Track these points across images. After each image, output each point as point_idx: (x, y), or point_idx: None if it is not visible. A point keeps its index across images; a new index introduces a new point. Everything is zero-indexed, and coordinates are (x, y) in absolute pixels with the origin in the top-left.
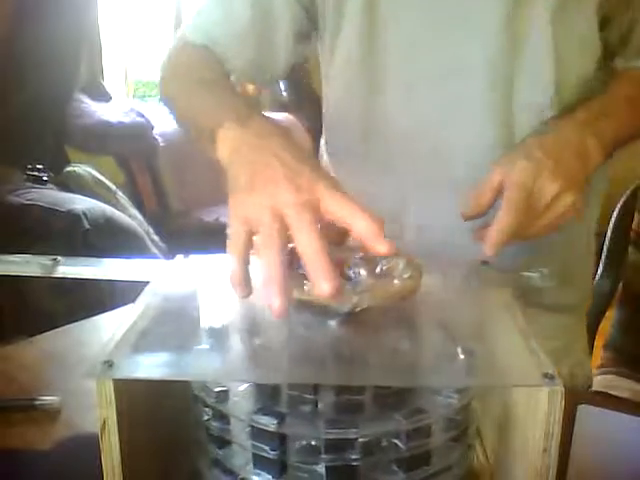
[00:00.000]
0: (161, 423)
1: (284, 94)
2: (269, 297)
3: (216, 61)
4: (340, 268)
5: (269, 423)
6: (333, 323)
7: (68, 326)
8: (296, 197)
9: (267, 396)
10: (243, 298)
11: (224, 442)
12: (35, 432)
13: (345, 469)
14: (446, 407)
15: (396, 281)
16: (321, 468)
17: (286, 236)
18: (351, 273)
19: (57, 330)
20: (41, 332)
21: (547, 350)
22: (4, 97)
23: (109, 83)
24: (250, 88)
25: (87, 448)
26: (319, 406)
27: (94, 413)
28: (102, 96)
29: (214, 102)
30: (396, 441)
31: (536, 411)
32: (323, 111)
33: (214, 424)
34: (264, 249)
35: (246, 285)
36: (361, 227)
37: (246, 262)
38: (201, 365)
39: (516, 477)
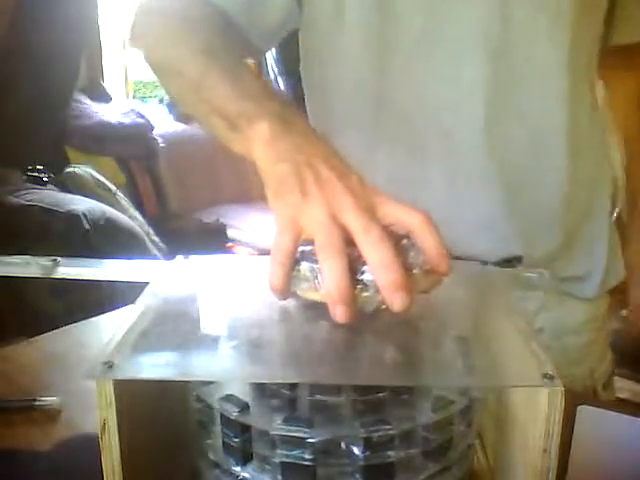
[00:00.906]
0: (161, 423)
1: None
2: (334, 305)
3: (223, 23)
4: (359, 264)
5: (232, 411)
6: (332, 322)
7: (68, 327)
8: (355, 202)
9: (247, 385)
10: (282, 300)
11: (203, 425)
12: (35, 433)
13: (300, 468)
14: (412, 422)
15: (417, 273)
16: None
17: (345, 241)
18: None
19: (57, 331)
20: (41, 333)
21: (581, 344)
22: (4, 98)
23: (109, 84)
24: None
25: (87, 448)
26: (291, 401)
27: (94, 414)
28: (102, 97)
29: (241, 88)
30: (354, 448)
31: (536, 411)
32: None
33: (197, 405)
34: (326, 255)
35: (287, 291)
36: (429, 242)
37: (291, 268)
38: (201, 365)
39: (516, 477)
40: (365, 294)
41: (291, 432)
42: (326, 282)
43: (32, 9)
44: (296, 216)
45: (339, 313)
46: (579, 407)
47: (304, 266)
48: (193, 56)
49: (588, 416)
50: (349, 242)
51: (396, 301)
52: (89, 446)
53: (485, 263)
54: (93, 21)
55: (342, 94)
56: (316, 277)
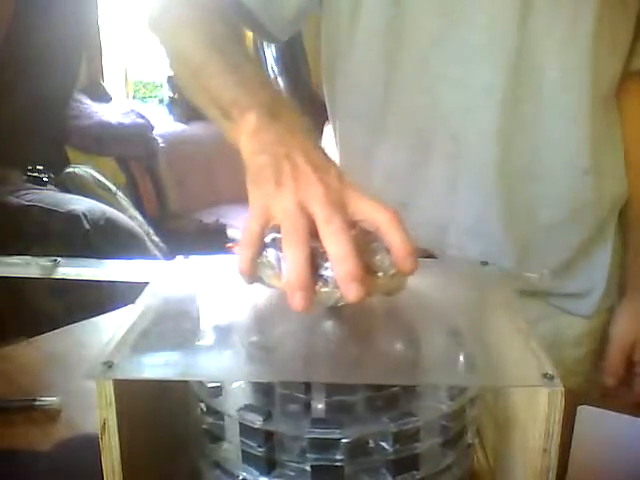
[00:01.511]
0: (161, 423)
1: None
2: (292, 293)
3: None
4: (323, 260)
5: (255, 420)
6: (333, 320)
7: (68, 327)
8: (325, 195)
9: (259, 393)
10: (249, 284)
11: (216, 437)
12: (35, 432)
13: (330, 469)
14: (436, 412)
15: (381, 275)
16: (308, 467)
17: (310, 233)
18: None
19: (57, 331)
20: (41, 333)
21: (579, 356)
22: (4, 98)
23: (109, 84)
24: None
25: (87, 448)
26: (309, 405)
27: (94, 414)
28: (102, 97)
29: (238, 79)
30: (383, 444)
31: (536, 411)
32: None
33: (207, 419)
34: (289, 243)
35: (253, 274)
36: (395, 240)
37: (258, 251)
38: (201, 365)
39: (516, 477)
40: (325, 289)
41: (323, 435)
42: (287, 270)
43: (32, 9)
44: (268, 204)
45: (296, 301)
46: (579, 407)
47: (270, 253)
48: (201, 47)
49: (588, 416)
50: (316, 236)
51: (350, 292)
52: (89, 446)
53: (485, 263)
54: (93, 21)
55: (351, 87)
56: (280, 265)
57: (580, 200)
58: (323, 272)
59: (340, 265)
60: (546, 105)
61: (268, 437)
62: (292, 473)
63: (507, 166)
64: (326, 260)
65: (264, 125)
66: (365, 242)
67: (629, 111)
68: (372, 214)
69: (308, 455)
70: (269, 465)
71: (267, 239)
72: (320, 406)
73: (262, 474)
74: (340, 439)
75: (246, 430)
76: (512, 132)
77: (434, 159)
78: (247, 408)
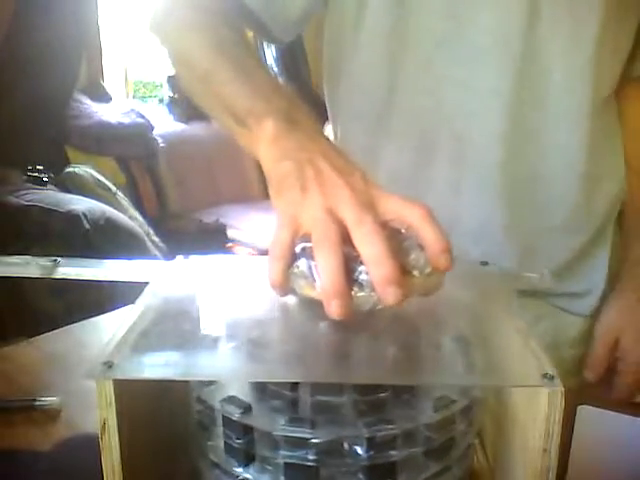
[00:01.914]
0: (161, 423)
1: None
2: (329, 302)
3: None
4: (356, 264)
5: (234, 412)
6: (333, 321)
7: (68, 327)
8: (353, 197)
9: (249, 387)
10: (283, 296)
11: (205, 427)
12: (35, 432)
13: (303, 468)
14: (415, 421)
15: (417, 275)
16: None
17: (342, 237)
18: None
19: (57, 331)
20: (41, 333)
21: (578, 356)
22: (4, 98)
23: (109, 84)
24: None
25: (87, 448)
26: (293, 403)
27: (94, 414)
28: (102, 97)
29: (250, 85)
30: (357, 448)
31: (536, 411)
32: (328, 83)
33: (198, 407)
34: (321, 250)
35: (286, 286)
36: (429, 236)
37: (289, 263)
38: (201, 365)
39: (516, 477)
40: (361, 294)
41: (294, 433)
42: (321, 278)
43: (32, 9)
44: (295, 212)
45: (333, 308)
46: (579, 407)
47: (302, 263)
48: (208, 51)
49: (588, 416)
50: (348, 240)
51: (388, 296)
52: (89, 446)
53: (485, 263)
54: (93, 21)
55: (355, 88)
56: (313, 274)
57: (581, 202)
58: (357, 276)
59: (376, 268)
60: (550, 108)
61: (247, 430)
62: (269, 467)
63: (511, 168)
64: (359, 263)
65: (283, 132)
66: (397, 242)
67: (629, 116)
68: (403, 211)
69: (282, 452)
70: (247, 458)
71: (297, 249)
72: (300, 405)
73: (240, 466)
74: (310, 439)
75: (227, 422)
76: (517, 135)
77: (438, 161)
78: (229, 400)
